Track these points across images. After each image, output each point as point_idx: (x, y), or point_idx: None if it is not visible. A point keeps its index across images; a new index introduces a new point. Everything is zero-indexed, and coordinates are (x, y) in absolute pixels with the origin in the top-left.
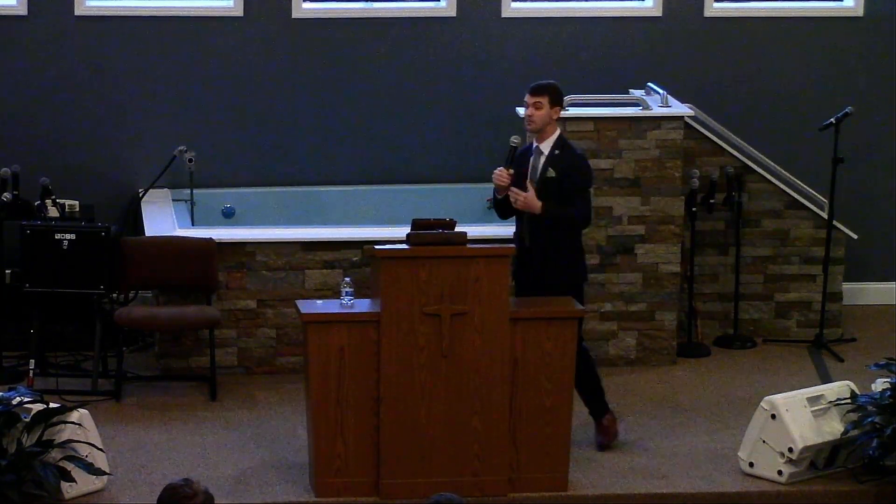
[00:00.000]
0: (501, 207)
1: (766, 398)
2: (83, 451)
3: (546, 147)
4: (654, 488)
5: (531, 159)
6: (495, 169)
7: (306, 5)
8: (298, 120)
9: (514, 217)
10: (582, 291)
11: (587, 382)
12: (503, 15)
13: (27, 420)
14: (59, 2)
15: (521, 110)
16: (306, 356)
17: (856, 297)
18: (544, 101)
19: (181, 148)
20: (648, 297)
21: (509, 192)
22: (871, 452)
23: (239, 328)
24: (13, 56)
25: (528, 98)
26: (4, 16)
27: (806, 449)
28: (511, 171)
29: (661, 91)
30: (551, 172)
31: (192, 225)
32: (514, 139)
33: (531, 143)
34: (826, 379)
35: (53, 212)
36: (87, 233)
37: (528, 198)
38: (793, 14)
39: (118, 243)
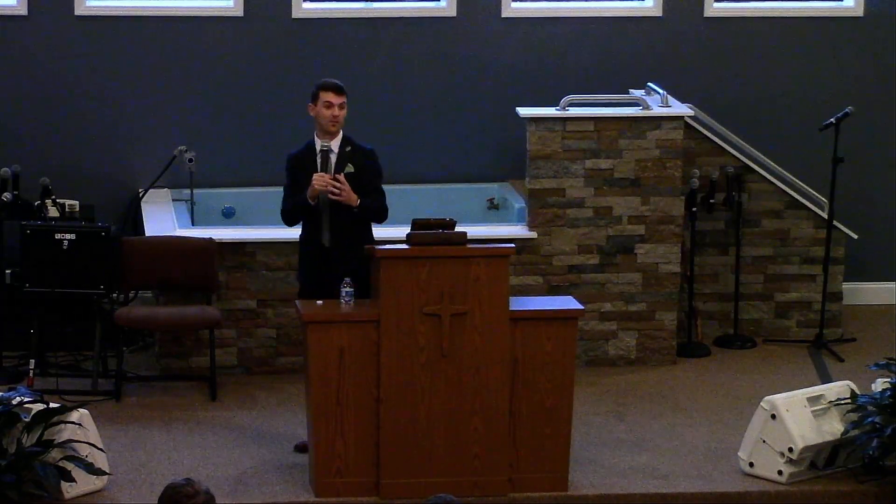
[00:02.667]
0: (299, 213)
1: (766, 398)
2: (83, 451)
3: (336, 145)
4: (654, 488)
5: (318, 160)
6: (317, 179)
7: (306, 5)
8: (298, 120)
9: (303, 220)
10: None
11: None
12: (503, 15)
13: (27, 420)
14: (59, 2)
15: (525, 110)
16: (306, 356)
17: (856, 297)
18: (345, 100)
19: (181, 148)
20: (648, 297)
21: (332, 185)
22: (871, 452)
23: (239, 328)
24: (13, 56)
25: (333, 98)
26: (4, 16)
27: (806, 449)
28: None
29: (661, 91)
30: (350, 168)
31: (192, 225)
32: (326, 144)
33: (304, 146)
34: (826, 379)
35: (53, 212)
36: (87, 233)
37: (350, 191)
38: (793, 14)
39: (118, 243)
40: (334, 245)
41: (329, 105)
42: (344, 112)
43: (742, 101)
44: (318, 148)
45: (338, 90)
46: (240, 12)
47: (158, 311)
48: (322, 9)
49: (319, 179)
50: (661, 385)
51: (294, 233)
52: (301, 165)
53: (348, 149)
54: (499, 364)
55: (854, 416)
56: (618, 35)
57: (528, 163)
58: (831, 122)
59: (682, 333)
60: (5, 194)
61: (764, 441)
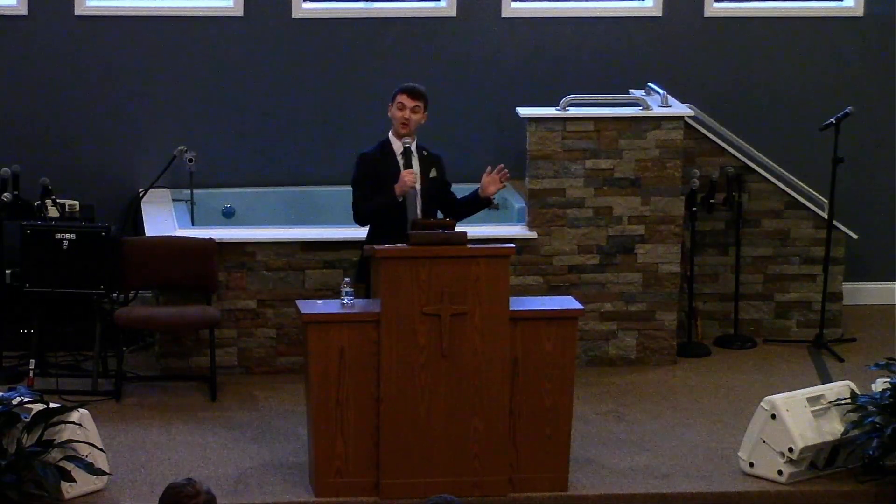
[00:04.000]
0: (384, 211)
1: (766, 398)
2: (83, 451)
3: (414, 148)
4: (654, 488)
5: (401, 160)
6: (408, 174)
7: (306, 5)
8: (298, 120)
9: (381, 222)
10: None
11: None
12: (503, 15)
13: (27, 420)
14: (59, 2)
15: (525, 110)
16: (306, 356)
17: (856, 297)
18: (422, 105)
19: (181, 148)
20: (648, 297)
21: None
22: (871, 452)
23: (239, 328)
24: (13, 56)
25: (406, 100)
26: (4, 16)
27: (806, 449)
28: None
29: (661, 91)
30: (434, 173)
31: (192, 225)
32: (407, 141)
33: (378, 146)
34: (826, 379)
35: (53, 212)
36: (87, 233)
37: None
38: (793, 14)
39: (118, 243)
40: None
41: (402, 107)
42: (417, 116)
43: (742, 101)
44: (397, 149)
45: (412, 94)
46: (240, 12)
47: (158, 311)
48: (322, 9)
49: (411, 177)
50: (661, 385)
51: (293, 233)
52: (382, 165)
53: (425, 153)
54: (499, 364)
55: (854, 416)
56: (618, 35)
57: (528, 163)
58: (831, 122)
59: (682, 333)
60: (5, 194)
61: (764, 441)
